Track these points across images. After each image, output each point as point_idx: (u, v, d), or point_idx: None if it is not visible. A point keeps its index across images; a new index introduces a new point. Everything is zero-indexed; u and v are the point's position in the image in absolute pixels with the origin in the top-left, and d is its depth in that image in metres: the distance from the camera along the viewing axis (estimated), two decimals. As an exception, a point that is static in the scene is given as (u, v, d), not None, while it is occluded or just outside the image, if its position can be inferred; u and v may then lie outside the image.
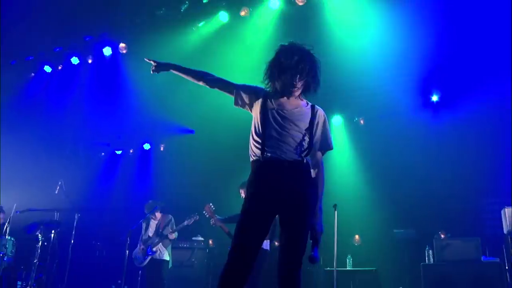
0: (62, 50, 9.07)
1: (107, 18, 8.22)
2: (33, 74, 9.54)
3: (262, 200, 2.75)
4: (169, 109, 9.06)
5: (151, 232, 6.88)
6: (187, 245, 7.78)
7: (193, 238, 7.86)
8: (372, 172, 7.89)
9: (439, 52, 6.99)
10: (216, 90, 3.13)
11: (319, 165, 2.96)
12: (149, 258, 6.70)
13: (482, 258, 5.51)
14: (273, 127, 2.84)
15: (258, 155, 2.85)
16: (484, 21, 6.65)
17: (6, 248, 6.19)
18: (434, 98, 7.66)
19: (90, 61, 9.15)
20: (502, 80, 6.66)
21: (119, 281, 7.64)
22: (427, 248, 5.99)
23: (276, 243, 5.71)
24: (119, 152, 10.17)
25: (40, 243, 6.46)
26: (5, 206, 7.10)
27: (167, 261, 6.78)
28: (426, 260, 5.96)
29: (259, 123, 2.90)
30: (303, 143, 2.87)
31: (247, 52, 7.70)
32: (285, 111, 2.89)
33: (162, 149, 10.10)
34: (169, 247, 6.86)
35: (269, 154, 2.81)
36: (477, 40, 6.82)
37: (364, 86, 7.53)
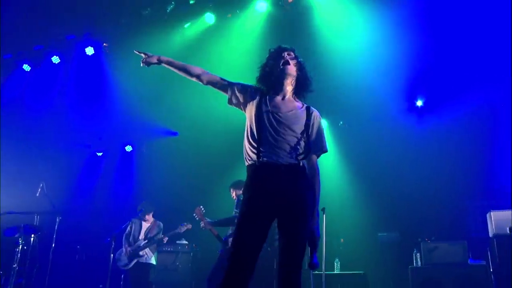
0: (42, 49, 8.84)
1: (91, 17, 8.04)
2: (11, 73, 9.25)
3: (259, 204, 2.71)
4: (152, 111, 8.97)
5: (141, 234, 6.75)
6: (171, 249, 7.68)
7: (177, 242, 7.75)
8: (357, 175, 7.94)
9: (424, 58, 7.10)
10: (210, 87, 3.07)
11: (314, 168, 2.92)
12: (135, 261, 6.57)
13: (469, 261, 5.58)
14: (268, 132, 2.81)
15: (253, 159, 2.81)
16: (468, 29, 6.78)
17: (-15, 252, 5.98)
18: (419, 103, 7.77)
19: (71, 60, 8.96)
20: (487, 86, 6.80)
21: (100, 286, 7.48)
22: (414, 251, 6.03)
23: None
24: (99, 154, 9.98)
25: (20, 247, 6.25)
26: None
27: (154, 265, 6.67)
28: (414, 263, 6.00)
29: (254, 126, 2.86)
30: (299, 147, 2.84)
31: (233, 55, 7.67)
32: (280, 114, 2.86)
33: (144, 151, 9.96)
34: (156, 252, 6.77)
35: (265, 159, 2.77)
36: (462, 47, 6.95)
37: (350, 89, 7.57)
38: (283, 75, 2.92)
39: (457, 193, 7.19)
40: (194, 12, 7.83)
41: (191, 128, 8.92)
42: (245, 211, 2.72)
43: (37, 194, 6.71)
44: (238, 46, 7.69)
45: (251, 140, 2.85)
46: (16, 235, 6.36)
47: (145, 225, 6.86)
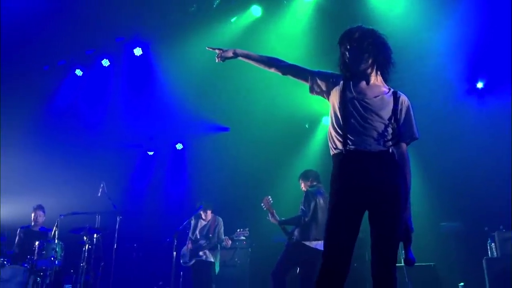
0: (93, 53, 9.04)
1: (138, 18, 8.14)
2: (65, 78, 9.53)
3: (349, 195, 2.57)
4: (201, 107, 8.98)
5: (199, 233, 6.77)
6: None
7: (235, 238, 7.73)
8: (415, 163, 7.64)
9: (484, 39, 6.74)
10: (289, 77, 2.96)
11: (404, 157, 2.74)
12: (194, 259, 6.62)
13: (550, 251, 5.25)
14: (355, 119, 2.66)
15: (340, 147, 2.67)
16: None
17: (56, 251, 6.18)
18: (479, 85, 7.40)
19: (120, 62, 9.13)
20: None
21: (160, 283, 7.61)
22: (489, 241, 5.73)
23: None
24: (150, 153, 10.13)
25: (86, 247, 6.43)
26: (51, 210, 7.15)
27: (213, 263, 6.64)
28: (489, 253, 5.71)
29: (339, 114, 2.72)
30: (386, 133, 2.68)
31: (283, 47, 7.52)
32: (366, 100, 2.70)
33: (195, 148, 10.03)
34: (218, 253, 6.77)
35: (352, 147, 2.62)
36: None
37: (406, 73, 7.31)
38: (361, 72, 2.77)
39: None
40: (240, 5, 7.78)
41: (242, 122, 8.88)
42: (335, 204, 2.60)
43: (99, 194, 6.87)
44: (287, 37, 7.55)
45: (337, 127, 2.72)
46: (81, 234, 6.55)
47: (202, 223, 6.86)
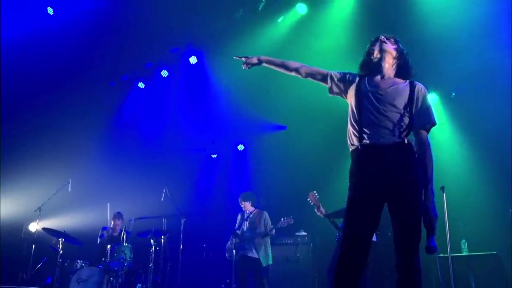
0: (152, 66, 9.59)
1: (190, 28, 8.50)
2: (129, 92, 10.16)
3: (366, 190, 2.63)
4: (258, 108, 9.15)
5: (244, 226, 6.87)
6: (291, 241, 7.77)
7: (296, 234, 7.81)
8: (478, 148, 7.29)
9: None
10: (309, 80, 3.09)
11: (425, 144, 2.74)
12: (240, 254, 6.65)
13: None
14: (369, 111, 2.73)
15: (355, 143, 2.74)
16: None
17: (125, 254, 6.65)
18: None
19: (178, 72, 9.58)
20: None
21: (227, 280, 7.86)
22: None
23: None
24: (214, 156, 10.48)
25: (153, 248, 6.84)
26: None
27: (257, 259, 6.54)
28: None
29: (355, 109, 2.80)
30: (402, 123, 2.70)
31: (330, 42, 7.52)
32: (380, 91, 2.76)
33: (255, 148, 10.23)
34: (264, 245, 6.69)
35: (367, 141, 2.68)
36: None
37: (459, 58, 7.00)
38: (380, 53, 2.88)
39: None
40: (285, 5, 7.88)
41: (298, 120, 8.95)
42: (352, 198, 2.67)
43: (162, 199, 7.28)
44: (333, 33, 7.52)
45: (353, 123, 2.80)
46: (148, 237, 6.98)
47: (245, 216, 6.90)
